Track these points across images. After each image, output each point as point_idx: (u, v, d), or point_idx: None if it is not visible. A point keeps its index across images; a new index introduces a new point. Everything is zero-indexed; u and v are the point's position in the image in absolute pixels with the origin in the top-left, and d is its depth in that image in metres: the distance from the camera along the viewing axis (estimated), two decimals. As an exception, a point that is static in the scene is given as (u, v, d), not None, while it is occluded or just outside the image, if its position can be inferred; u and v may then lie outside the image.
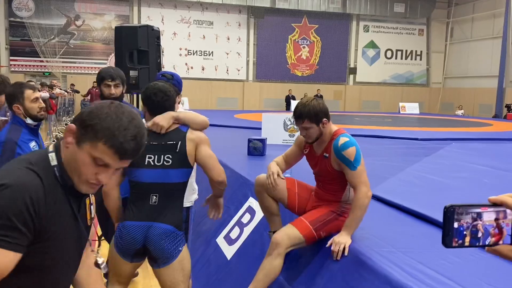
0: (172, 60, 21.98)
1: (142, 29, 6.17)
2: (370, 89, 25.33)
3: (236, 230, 3.85)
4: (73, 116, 14.92)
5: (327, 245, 2.53)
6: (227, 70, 23.41)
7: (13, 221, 1.20)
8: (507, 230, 0.84)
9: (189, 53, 22.80)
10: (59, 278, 1.43)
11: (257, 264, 3.23)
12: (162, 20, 22.05)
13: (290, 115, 2.81)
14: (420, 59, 26.04)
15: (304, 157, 2.86)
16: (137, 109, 3.27)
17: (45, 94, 10.80)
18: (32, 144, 2.77)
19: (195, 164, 2.60)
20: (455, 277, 2.13)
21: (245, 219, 3.85)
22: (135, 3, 21.89)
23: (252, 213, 3.82)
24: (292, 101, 19.71)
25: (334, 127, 2.66)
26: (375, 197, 3.72)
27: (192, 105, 20.34)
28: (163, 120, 2.47)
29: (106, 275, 2.37)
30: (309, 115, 2.53)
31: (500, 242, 0.84)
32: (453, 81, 25.64)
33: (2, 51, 20.40)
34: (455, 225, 0.81)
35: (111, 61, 20.30)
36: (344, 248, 2.48)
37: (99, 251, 1.61)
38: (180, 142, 2.49)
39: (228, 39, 23.24)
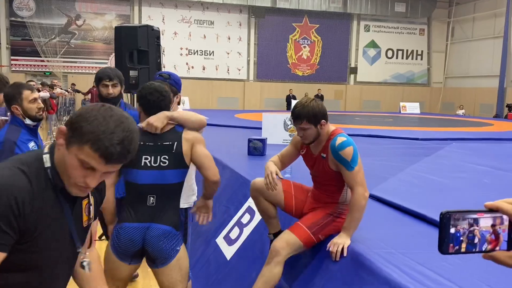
0: (173, 60, 21.99)
1: (142, 29, 6.16)
2: (371, 89, 25.32)
3: (236, 230, 3.85)
4: (74, 116, 15.03)
5: (327, 248, 2.52)
6: (228, 70, 23.41)
7: None
8: (503, 236, 0.84)
9: (190, 53, 22.81)
10: (48, 279, 1.43)
11: (256, 264, 3.23)
12: (163, 19, 22.06)
13: (290, 115, 2.75)
14: (421, 59, 26.02)
15: (300, 156, 2.85)
16: (135, 110, 3.28)
17: (45, 93, 10.81)
18: (31, 145, 2.78)
19: (211, 161, 2.59)
20: (454, 278, 2.12)
21: (244, 220, 3.85)
22: (135, 3, 21.90)
23: (251, 213, 3.81)
24: (292, 101, 19.70)
25: (331, 127, 2.63)
26: (375, 197, 3.72)
27: (192, 105, 20.35)
28: (157, 120, 2.46)
29: None
30: (308, 116, 2.50)
31: (497, 248, 0.84)
32: (454, 81, 25.62)
33: (3, 51, 20.43)
34: (452, 231, 0.81)
35: (111, 61, 20.30)
36: (342, 249, 2.47)
37: (87, 252, 1.63)
38: (176, 142, 2.49)
39: (229, 38, 23.24)
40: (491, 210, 0.84)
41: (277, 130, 6.91)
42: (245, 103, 23.58)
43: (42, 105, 2.86)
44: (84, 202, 1.49)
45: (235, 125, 11.05)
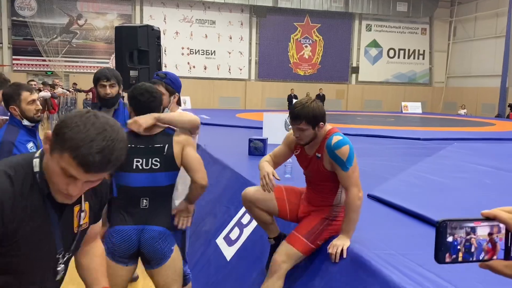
0: (174, 59, 22.01)
1: (142, 29, 6.16)
2: (373, 89, 25.29)
3: (236, 231, 3.84)
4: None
5: (328, 250, 2.51)
6: (229, 69, 23.40)
7: None
8: (500, 245, 0.83)
9: (191, 52, 22.81)
10: (29, 284, 1.42)
11: (256, 265, 3.23)
12: (164, 19, 22.07)
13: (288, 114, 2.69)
14: (423, 58, 25.98)
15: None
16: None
17: (46, 93, 10.83)
18: (30, 145, 2.77)
19: (201, 165, 2.59)
20: (454, 280, 2.11)
21: (244, 220, 3.84)
22: (137, 2, 21.91)
23: (252, 214, 3.80)
24: (294, 101, 19.70)
25: (328, 126, 2.58)
26: (376, 198, 3.71)
27: (194, 105, 20.35)
28: (142, 118, 2.47)
29: None
30: (307, 117, 2.43)
31: (494, 257, 0.82)
32: (455, 81, 25.57)
33: (5, 50, 20.47)
34: (450, 239, 0.80)
35: (113, 61, 20.31)
36: (342, 251, 2.46)
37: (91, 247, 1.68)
38: (167, 145, 2.50)
39: (230, 38, 23.23)
40: (488, 218, 0.82)
41: (278, 130, 6.90)
42: (247, 102, 23.57)
43: (40, 107, 2.86)
44: (76, 208, 1.47)
45: (236, 124, 11.04)
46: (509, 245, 0.83)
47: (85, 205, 1.51)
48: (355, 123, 13.59)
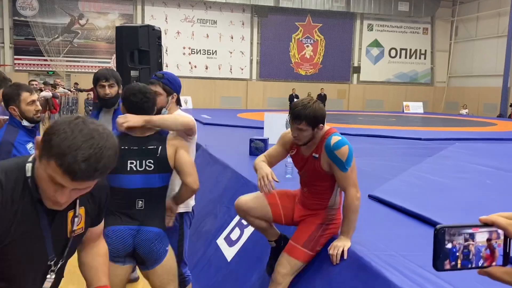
0: (175, 59, 22.01)
1: (142, 29, 6.15)
2: (374, 88, 25.26)
3: (237, 231, 3.83)
4: (77, 115, 15.14)
5: (329, 252, 2.50)
6: (231, 69, 23.40)
7: None
8: (499, 251, 0.82)
9: (193, 52, 22.81)
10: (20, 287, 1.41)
11: (257, 266, 3.22)
12: (166, 19, 22.07)
13: (289, 113, 2.64)
14: (425, 58, 25.94)
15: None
16: None
17: (47, 93, 10.83)
18: (29, 146, 2.77)
19: (194, 168, 2.59)
20: (455, 282, 2.10)
21: (245, 221, 3.83)
22: (138, 2, 21.92)
23: (252, 214, 3.79)
24: (295, 100, 19.67)
25: (326, 126, 2.55)
26: (377, 198, 3.70)
27: (195, 104, 20.36)
28: (130, 116, 2.48)
29: None
30: (308, 118, 2.39)
31: (493, 263, 0.81)
32: (457, 80, 25.53)
33: (6, 50, 20.49)
34: (448, 246, 0.79)
35: (114, 60, 20.33)
36: (343, 252, 2.45)
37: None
38: (160, 146, 2.51)
39: (232, 38, 23.23)
40: (486, 224, 0.81)
41: (279, 130, 6.85)
42: (248, 102, 23.56)
43: (40, 108, 2.85)
44: (70, 213, 1.46)
45: (237, 124, 11.03)
46: (507, 251, 0.82)
47: (81, 210, 1.50)
48: (356, 123, 13.58)
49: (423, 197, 3.82)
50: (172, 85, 2.86)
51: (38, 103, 2.87)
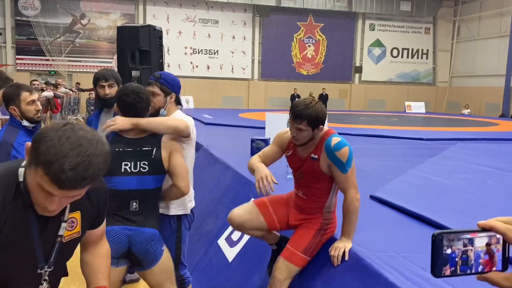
0: (177, 59, 22.01)
1: (144, 29, 6.14)
2: (376, 88, 25.23)
3: (238, 231, 3.82)
4: (79, 115, 14.90)
5: (330, 253, 2.49)
6: (232, 69, 23.39)
7: None
8: (498, 256, 0.80)
9: (194, 52, 22.81)
10: None
11: (258, 266, 3.21)
12: (168, 18, 22.07)
13: (289, 112, 2.59)
14: (427, 58, 25.90)
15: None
16: None
17: (49, 93, 10.84)
18: None
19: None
20: (456, 283, 2.09)
21: (246, 221, 3.82)
22: (140, 2, 21.93)
23: (253, 214, 3.78)
24: (296, 100, 19.63)
25: (324, 127, 2.53)
26: (378, 199, 3.69)
27: (197, 104, 20.35)
28: (118, 119, 2.48)
29: None
30: (309, 118, 2.36)
31: (494, 268, 0.80)
32: (459, 80, 25.48)
33: (8, 50, 20.53)
34: (446, 252, 0.78)
35: (116, 60, 20.34)
36: (344, 253, 2.44)
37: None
38: (155, 148, 2.51)
39: (234, 37, 23.22)
40: (484, 229, 0.80)
41: (281, 130, 6.85)
42: (250, 102, 23.56)
43: (40, 107, 2.84)
44: (62, 218, 1.44)
45: (238, 124, 11.02)
46: (506, 256, 0.81)
47: (76, 215, 1.48)
48: (358, 123, 13.56)
49: (425, 197, 3.81)
50: (170, 85, 2.83)
51: (38, 102, 2.86)
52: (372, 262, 2.34)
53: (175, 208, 2.83)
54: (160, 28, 6.60)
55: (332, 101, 22.47)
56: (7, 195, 1.29)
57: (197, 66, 22.85)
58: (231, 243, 3.80)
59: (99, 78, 3.36)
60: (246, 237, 3.67)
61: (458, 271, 0.78)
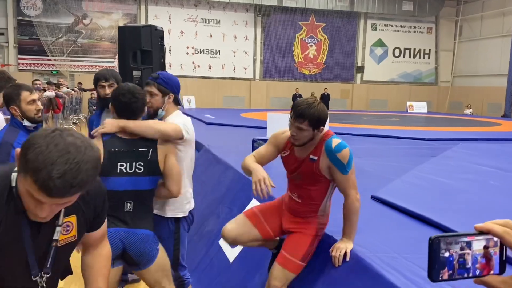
0: (179, 59, 22.02)
1: (145, 29, 6.14)
2: (378, 88, 25.20)
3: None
4: (81, 115, 14.86)
5: (331, 253, 2.48)
6: (234, 69, 23.39)
7: None
8: (495, 259, 0.79)
9: (196, 52, 22.82)
10: None
11: (259, 267, 3.20)
12: (169, 18, 22.09)
13: (291, 111, 2.54)
14: (429, 58, 25.86)
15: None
16: None
17: (51, 93, 10.85)
18: None
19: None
20: (459, 285, 2.07)
21: (247, 221, 3.81)
22: (142, 2, 21.94)
23: (254, 215, 3.77)
24: (298, 99, 19.60)
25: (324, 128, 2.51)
26: (379, 200, 3.67)
27: (198, 104, 20.36)
28: (106, 122, 2.49)
29: None
30: (312, 118, 2.33)
31: (491, 272, 0.79)
32: (461, 80, 25.43)
33: (11, 50, 20.56)
34: (443, 256, 0.77)
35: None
36: (345, 253, 2.43)
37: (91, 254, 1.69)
38: (151, 149, 2.51)
39: (235, 37, 23.22)
40: (481, 232, 0.79)
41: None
42: (251, 102, 23.55)
43: (41, 107, 2.84)
44: (57, 223, 1.42)
45: (240, 124, 11.02)
46: (503, 259, 0.80)
47: (71, 218, 1.47)
48: (360, 122, 13.55)
49: (426, 198, 3.79)
50: (168, 85, 2.81)
51: (39, 102, 2.86)
52: (373, 263, 2.33)
53: (173, 211, 2.82)
54: (162, 28, 6.61)
55: (334, 101, 22.45)
56: (0, 199, 1.28)
57: (199, 66, 22.85)
58: (232, 243, 3.79)
59: (99, 78, 3.37)
60: (247, 238, 3.67)
61: (456, 274, 0.77)
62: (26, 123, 2.80)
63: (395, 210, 3.44)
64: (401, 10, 24.17)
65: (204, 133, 8.41)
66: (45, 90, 10.94)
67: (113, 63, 20.41)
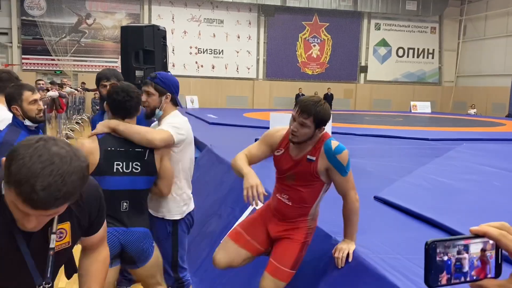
0: (182, 59, 22.04)
1: (147, 29, 6.15)
2: (381, 88, 25.14)
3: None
4: (84, 114, 14.81)
5: (334, 255, 2.47)
6: (237, 69, 23.39)
7: None
8: (491, 262, 0.78)
9: (199, 52, 22.83)
10: None
11: (261, 267, 3.19)
12: (173, 18, 22.10)
13: (295, 106, 2.50)
14: (432, 58, 25.78)
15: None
16: None
17: (54, 93, 10.87)
18: None
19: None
20: (460, 285, 2.06)
21: (249, 222, 3.80)
22: (145, 2, 21.97)
23: (256, 215, 3.76)
24: (304, 96, 19.57)
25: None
26: (382, 200, 3.66)
27: (202, 104, 20.37)
28: (99, 125, 2.51)
29: None
30: (317, 115, 2.31)
31: (489, 275, 0.78)
32: (465, 80, 25.35)
33: (14, 50, 20.62)
34: (440, 260, 0.75)
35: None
36: (348, 255, 2.42)
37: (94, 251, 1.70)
38: (148, 150, 2.52)
39: (238, 37, 23.22)
40: (477, 235, 0.78)
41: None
42: (254, 102, 23.54)
43: (42, 107, 2.84)
44: (50, 229, 1.40)
45: (243, 124, 11.01)
46: (499, 262, 0.79)
47: (65, 225, 1.45)
48: (363, 122, 13.52)
49: (430, 199, 3.78)
50: (165, 85, 2.79)
51: (40, 102, 2.86)
52: (375, 264, 2.31)
53: (169, 212, 2.81)
54: (164, 28, 6.61)
55: (337, 101, 22.41)
56: None
57: (202, 66, 22.86)
58: (234, 243, 3.78)
59: (101, 78, 3.40)
60: (249, 238, 3.65)
61: (453, 279, 0.76)
62: (27, 122, 2.79)
63: (398, 210, 3.42)
64: (405, 9, 24.11)
65: (207, 133, 8.41)
66: (48, 90, 10.96)
67: (117, 63, 20.42)
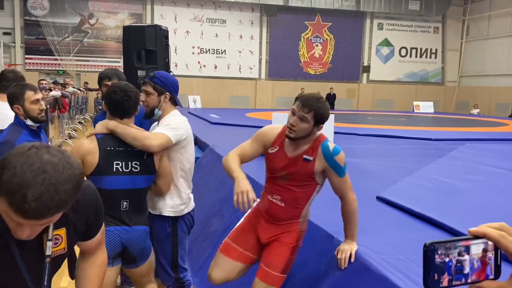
0: (185, 59, 22.05)
1: (149, 29, 6.14)
2: (384, 88, 25.11)
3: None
4: (87, 114, 14.83)
5: (336, 256, 2.46)
6: (240, 69, 23.39)
7: None
8: (491, 263, 0.77)
9: (202, 52, 22.84)
10: None
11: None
12: (175, 18, 22.12)
13: (296, 100, 2.48)
14: (435, 57, 25.73)
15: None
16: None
17: (57, 92, 10.88)
18: None
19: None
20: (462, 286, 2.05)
21: (251, 222, 3.79)
22: (148, 2, 21.99)
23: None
24: (305, 92, 19.56)
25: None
26: (385, 200, 3.64)
27: (204, 104, 20.37)
28: (97, 125, 2.52)
29: None
30: (318, 111, 2.31)
31: (491, 276, 0.77)
32: (468, 80, 25.29)
33: (18, 50, 20.68)
34: (439, 262, 0.74)
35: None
36: (350, 255, 2.41)
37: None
38: None
39: (241, 37, 23.22)
40: (476, 236, 0.77)
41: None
42: (257, 102, 23.55)
43: (44, 107, 2.84)
44: (45, 236, 1.38)
45: (245, 124, 11.00)
46: (498, 263, 0.78)
47: (61, 232, 1.43)
48: (366, 122, 13.49)
49: (432, 199, 3.76)
50: (164, 85, 2.78)
51: (42, 102, 2.86)
52: (378, 265, 2.30)
53: (168, 206, 2.81)
54: (166, 27, 6.61)
55: (339, 101, 22.39)
56: None
57: (204, 66, 22.87)
58: (236, 243, 3.77)
59: (102, 78, 3.42)
60: (251, 238, 3.65)
61: (454, 280, 0.75)
62: (29, 122, 2.79)
63: (401, 211, 3.41)
64: (408, 9, 24.07)
65: (209, 133, 8.40)
66: (51, 90, 10.98)
67: (119, 63, 20.46)
